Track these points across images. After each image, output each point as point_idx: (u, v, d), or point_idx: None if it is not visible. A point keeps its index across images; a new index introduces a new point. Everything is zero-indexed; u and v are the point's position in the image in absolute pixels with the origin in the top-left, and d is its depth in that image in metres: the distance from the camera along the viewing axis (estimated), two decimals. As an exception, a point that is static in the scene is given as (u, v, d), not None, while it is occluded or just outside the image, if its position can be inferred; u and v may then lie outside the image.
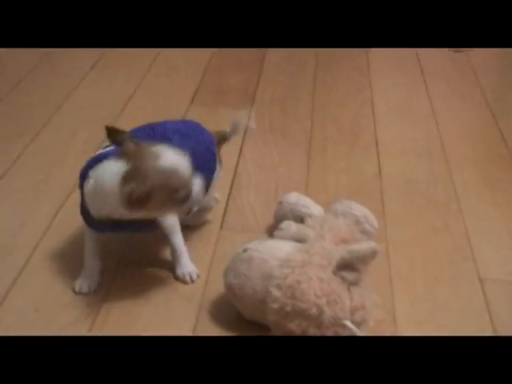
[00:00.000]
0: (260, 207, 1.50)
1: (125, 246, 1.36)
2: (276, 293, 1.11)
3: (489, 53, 2.36)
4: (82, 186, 1.21)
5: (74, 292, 1.24)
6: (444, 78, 2.18)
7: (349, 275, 1.11)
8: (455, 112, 1.99)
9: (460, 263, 1.38)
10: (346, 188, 1.59)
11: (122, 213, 1.13)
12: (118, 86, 1.98)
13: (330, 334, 1.09)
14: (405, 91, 2.10)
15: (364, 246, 1.12)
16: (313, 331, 1.09)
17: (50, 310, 1.21)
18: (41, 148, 1.68)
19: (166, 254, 1.33)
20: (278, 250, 1.18)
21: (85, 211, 1.21)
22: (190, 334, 1.16)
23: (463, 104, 2.04)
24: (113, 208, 1.13)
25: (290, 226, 1.29)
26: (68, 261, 1.32)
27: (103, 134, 1.53)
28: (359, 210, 1.35)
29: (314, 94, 2.01)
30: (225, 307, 1.22)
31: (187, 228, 1.40)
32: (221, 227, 1.44)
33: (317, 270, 1.11)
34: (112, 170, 1.12)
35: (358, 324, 1.10)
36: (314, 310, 1.08)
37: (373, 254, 1.11)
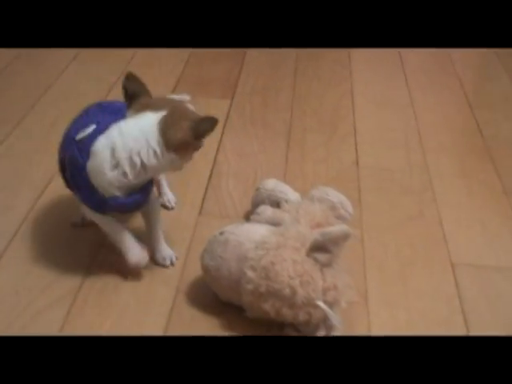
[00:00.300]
0: (238, 194, 1.53)
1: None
2: (250, 274, 1.13)
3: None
4: (79, 172, 1.19)
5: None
6: (423, 71, 2.21)
7: (321, 257, 1.13)
8: (433, 103, 2.01)
9: (432, 249, 1.41)
10: (323, 176, 1.62)
11: (151, 171, 1.17)
12: (100, 77, 1.99)
13: (302, 314, 1.12)
14: (384, 83, 2.12)
15: (336, 228, 1.15)
16: (286, 311, 1.12)
17: (30, 293, 1.23)
18: (23, 136, 1.70)
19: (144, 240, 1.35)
20: (253, 232, 1.20)
21: (92, 197, 1.20)
22: (164, 321, 1.20)
23: (441, 95, 2.07)
24: (143, 165, 1.15)
25: (266, 211, 1.31)
26: (48, 245, 1.35)
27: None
28: (335, 196, 1.37)
29: (295, 85, 2.04)
30: (202, 290, 1.25)
31: (166, 214, 1.44)
32: (199, 213, 1.46)
33: (291, 252, 1.13)
34: (139, 125, 1.15)
35: (329, 304, 1.13)
36: (287, 291, 1.11)
37: (345, 237, 1.14)
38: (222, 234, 1.22)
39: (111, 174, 1.16)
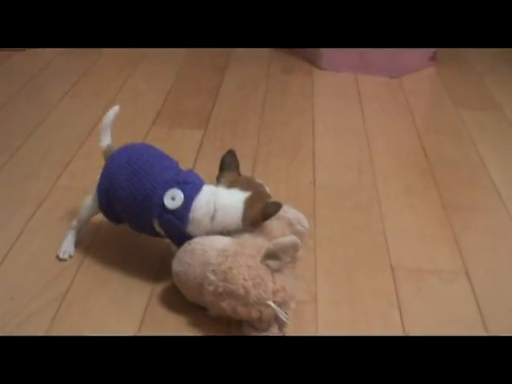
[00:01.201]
0: (208, 212, 1.65)
1: (96, 233, 1.52)
2: (211, 277, 1.25)
3: (420, 76, 2.56)
4: (180, 233, 1.34)
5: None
6: (378, 101, 2.35)
7: (273, 263, 1.25)
8: (385, 130, 2.15)
9: (376, 255, 1.53)
10: (283, 195, 1.71)
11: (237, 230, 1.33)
12: (88, 111, 2.11)
13: (254, 311, 1.22)
14: (342, 113, 2.26)
15: (286, 239, 1.26)
16: (241, 309, 1.23)
17: (23, 298, 1.34)
18: (18, 165, 1.82)
19: (134, 241, 1.49)
20: (216, 242, 1.31)
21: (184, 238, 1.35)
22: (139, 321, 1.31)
23: (392, 123, 2.20)
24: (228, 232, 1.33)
25: None
26: (39, 257, 1.46)
27: (74, 151, 1.71)
28: (292, 213, 1.46)
29: (263, 115, 2.17)
30: (172, 293, 1.36)
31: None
32: (173, 228, 1.59)
33: (246, 259, 1.25)
34: (231, 200, 1.34)
35: (279, 304, 1.24)
36: (241, 291, 1.22)
37: (294, 246, 1.25)
38: (189, 244, 1.33)
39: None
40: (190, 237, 1.34)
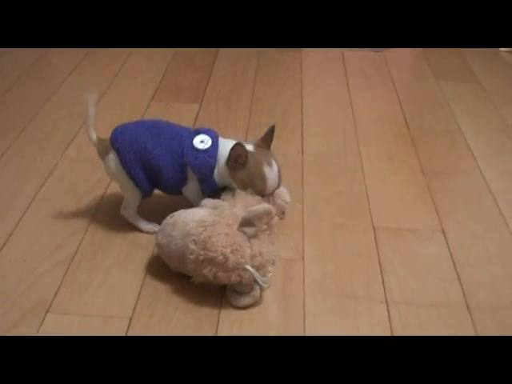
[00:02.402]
0: (204, 179, 1.68)
1: (97, 207, 1.55)
2: (192, 246, 1.26)
3: (403, 50, 2.57)
4: (210, 172, 1.40)
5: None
6: (362, 74, 2.36)
7: (248, 230, 1.26)
8: (368, 101, 2.16)
9: (359, 216, 1.57)
10: (274, 163, 1.78)
11: None
12: (91, 88, 2.10)
13: (234, 276, 1.24)
14: (329, 86, 2.27)
15: (260, 206, 1.27)
16: (221, 274, 1.24)
17: (35, 260, 1.38)
18: (28, 139, 1.85)
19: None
20: (195, 214, 1.32)
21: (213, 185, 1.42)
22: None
23: (376, 94, 2.22)
24: None
25: (208, 202, 1.40)
26: (50, 221, 1.49)
27: (78, 126, 1.72)
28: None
29: (254, 89, 2.18)
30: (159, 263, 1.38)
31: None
32: (171, 195, 1.62)
33: (224, 228, 1.25)
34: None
35: (256, 268, 1.25)
36: (220, 258, 1.23)
37: (267, 213, 1.26)
38: (171, 217, 1.35)
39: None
40: (215, 183, 1.40)
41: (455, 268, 1.42)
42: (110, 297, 1.29)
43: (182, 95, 2.13)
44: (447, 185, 1.73)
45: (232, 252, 1.23)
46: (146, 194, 1.46)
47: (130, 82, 2.19)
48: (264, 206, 1.27)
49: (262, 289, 1.28)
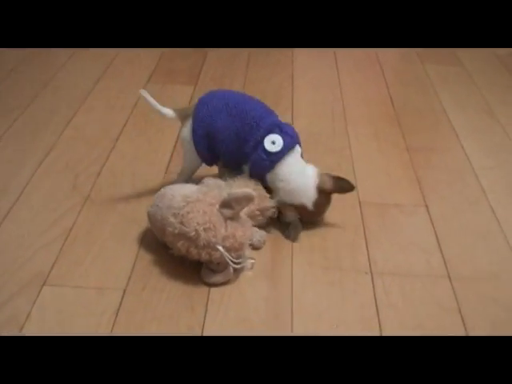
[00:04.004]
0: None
1: (93, 184, 1.51)
2: (171, 219, 1.22)
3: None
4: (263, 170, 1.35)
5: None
6: (351, 58, 2.32)
7: (226, 212, 1.21)
8: (357, 83, 2.13)
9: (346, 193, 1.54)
10: (264, 142, 1.74)
11: None
12: (89, 72, 2.09)
13: (204, 253, 1.20)
14: (319, 69, 2.23)
15: (240, 191, 1.22)
16: (193, 250, 1.21)
17: (32, 236, 1.35)
18: (28, 120, 1.81)
19: (131, 183, 1.49)
20: (184, 189, 1.30)
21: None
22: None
23: (364, 77, 2.18)
24: None
25: (208, 180, 1.38)
26: (47, 198, 1.46)
27: (76, 107, 1.67)
28: None
29: (247, 72, 2.14)
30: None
31: (139, 170, 1.56)
32: (165, 172, 1.58)
33: (204, 206, 1.21)
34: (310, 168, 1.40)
35: (228, 249, 1.21)
36: (193, 234, 1.19)
37: (246, 198, 1.21)
38: (164, 188, 1.32)
39: None
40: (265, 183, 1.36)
41: (437, 240, 1.39)
42: (104, 269, 1.26)
43: (177, 78, 2.08)
44: (431, 162, 1.69)
45: (205, 230, 1.19)
46: (206, 164, 1.43)
47: (127, 66, 2.15)
48: (244, 190, 1.22)
49: (234, 270, 1.24)
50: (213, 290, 1.23)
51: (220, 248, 1.20)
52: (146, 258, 1.29)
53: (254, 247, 1.33)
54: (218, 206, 1.21)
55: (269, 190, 1.38)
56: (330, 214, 1.45)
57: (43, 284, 1.22)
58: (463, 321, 1.19)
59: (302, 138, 1.75)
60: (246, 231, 1.24)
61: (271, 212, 1.36)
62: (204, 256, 1.21)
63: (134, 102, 1.89)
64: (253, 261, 1.29)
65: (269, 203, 1.36)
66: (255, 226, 1.34)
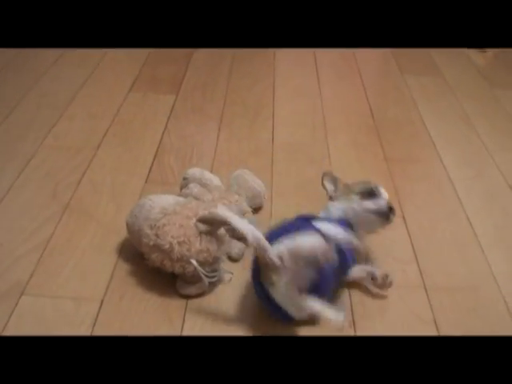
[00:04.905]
0: (178, 167, 1.63)
1: (73, 193, 1.50)
2: (147, 230, 1.22)
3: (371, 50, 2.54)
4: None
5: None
6: (332, 68, 2.34)
7: (203, 227, 1.21)
8: (337, 93, 2.13)
9: (325, 203, 1.53)
10: (245, 151, 1.73)
11: None
12: (73, 79, 2.08)
13: (178, 266, 1.19)
14: (300, 78, 2.23)
15: (218, 214, 1.19)
16: (167, 262, 1.20)
17: (12, 244, 1.34)
18: (9, 127, 1.79)
19: (111, 193, 1.49)
20: (164, 200, 1.29)
21: None
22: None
23: (344, 87, 2.19)
24: None
25: (194, 188, 1.40)
26: (27, 209, 1.45)
27: (58, 115, 1.66)
28: (260, 185, 1.47)
29: (229, 81, 2.14)
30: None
31: (117, 180, 1.56)
32: (146, 181, 1.57)
33: (181, 219, 1.21)
34: None
35: (201, 263, 1.20)
36: (167, 246, 1.19)
37: (222, 223, 1.19)
38: (144, 198, 1.31)
39: None
40: None
41: (414, 251, 1.40)
42: (82, 279, 1.26)
43: (159, 86, 2.08)
44: (409, 172, 1.71)
45: (179, 243, 1.19)
46: None
47: (110, 73, 2.14)
48: (224, 212, 1.19)
49: (209, 283, 1.22)
50: (190, 301, 1.22)
51: (193, 262, 1.19)
52: (125, 268, 1.29)
53: (233, 259, 1.33)
54: (195, 220, 1.21)
55: None
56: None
57: (21, 293, 1.21)
58: (438, 331, 1.20)
59: (282, 147, 1.78)
60: (222, 245, 1.23)
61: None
62: (178, 269, 1.20)
63: (116, 110, 1.89)
64: (231, 275, 1.28)
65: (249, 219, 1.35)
66: (234, 238, 1.34)
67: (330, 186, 1.39)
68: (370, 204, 1.32)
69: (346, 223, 1.29)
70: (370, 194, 1.33)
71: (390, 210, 1.32)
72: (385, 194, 1.35)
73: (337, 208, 1.34)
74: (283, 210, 1.50)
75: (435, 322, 1.21)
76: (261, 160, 1.67)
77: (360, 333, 1.18)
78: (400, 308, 1.24)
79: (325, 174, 1.39)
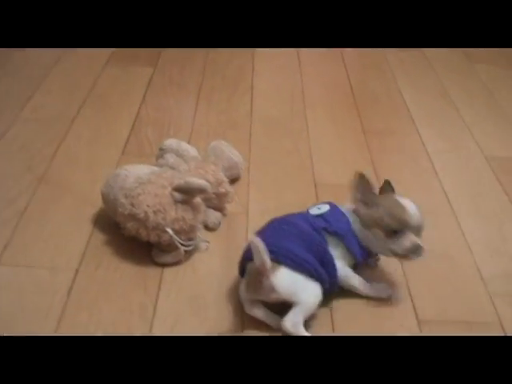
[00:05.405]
0: (155, 138, 1.63)
1: (48, 165, 1.49)
2: (122, 200, 1.22)
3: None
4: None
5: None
6: (315, 57, 2.26)
7: (178, 196, 1.21)
8: (317, 67, 2.13)
9: (302, 174, 1.54)
10: (223, 123, 1.73)
11: None
12: (48, 53, 2.03)
13: (153, 235, 1.20)
14: (281, 56, 2.20)
15: (196, 182, 1.21)
16: (142, 231, 1.21)
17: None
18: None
19: (87, 165, 1.48)
20: (139, 170, 1.29)
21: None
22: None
23: (324, 61, 2.18)
24: None
25: (170, 158, 1.39)
26: (1, 181, 1.44)
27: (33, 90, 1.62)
28: (237, 156, 1.47)
29: (208, 54, 2.12)
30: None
31: (94, 153, 1.55)
32: (122, 153, 1.57)
33: (156, 188, 1.21)
34: None
35: (177, 231, 1.20)
36: (142, 215, 1.19)
37: (199, 190, 1.21)
38: (119, 169, 1.31)
39: None
40: None
41: (389, 221, 1.41)
42: (58, 249, 1.26)
43: (137, 59, 2.06)
44: (386, 145, 1.71)
45: (154, 212, 1.19)
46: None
47: (87, 48, 2.12)
48: (200, 183, 1.21)
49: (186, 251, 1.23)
50: (166, 269, 1.23)
51: (169, 230, 1.20)
52: (100, 237, 1.29)
53: (209, 229, 1.34)
54: (170, 189, 1.21)
55: None
56: (286, 195, 1.46)
57: (-4, 264, 1.21)
58: (411, 297, 1.21)
59: (260, 120, 1.78)
60: (197, 214, 1.24)
61: (228, 198, 1.37)
62: (153, 238, 1.21)
63: (92, 83, 1.88)
64: (207, 243, 1.29)
65: (225, 189, 1.36)
66: (211, 208, 1.35)
67: (357, 194, 1.22)
68: (393, 245, 1.17)
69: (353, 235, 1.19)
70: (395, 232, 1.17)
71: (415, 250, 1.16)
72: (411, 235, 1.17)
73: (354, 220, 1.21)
74: (261, 182, 1.51)
75: (408, 288, 1.23)
76: (239, 133, 1.67)
77: (335, 297, 1.19)
78: (374, 275, 1.25)
79: (360, 176, 1.21)
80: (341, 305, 1.18)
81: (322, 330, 1.12)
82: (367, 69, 2.17)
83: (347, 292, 1.18)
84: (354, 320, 1.15)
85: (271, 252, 1.08)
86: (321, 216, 1.20)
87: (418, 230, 1.17)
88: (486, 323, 1.17)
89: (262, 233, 1.16)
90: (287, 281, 1.10)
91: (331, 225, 1.18)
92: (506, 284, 1.27)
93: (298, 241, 1.14)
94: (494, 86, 2.07)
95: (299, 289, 1.10)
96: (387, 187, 1.27)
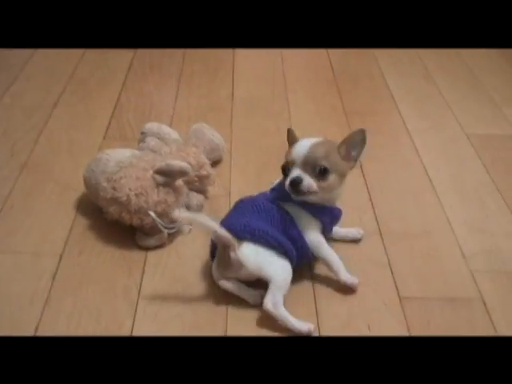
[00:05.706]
0: (136, 123, 1.63)
1: (30, 152, 1.50)
2: (104, 184, 1.23)
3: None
4: None
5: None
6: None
7: (160, 179, 1.22)
8: (299, 51, 2.09)
9: (283, 156, 1.53)
10: (204, 107, 1.74)
11: None
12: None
13: (136, 218, 1.21)
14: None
15: (177, 164, 1.22)
16: (125, 215, 1.21)
17: None
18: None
19: (71, 151, 1.48)
20: (120, 154, 1.29)
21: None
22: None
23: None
24: None
25: (151, 141, 1.40)
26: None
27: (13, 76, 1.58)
28: (219, 139, 1.48)
29: (188, 38, 2.13)
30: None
31: (75, 137, 1.55)
32: (104, 138, 1.57)
33: (137, 171, 1.22)
34: None
35: (159, 214, 1.21)
36: (124, 199, 1.20)
37: (181, 172, 1.22)
38: (100, 153, 1.32)
39: None
40: None
41: (370, 199, 1.43)
42: (41, 235, 1.26)
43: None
44: (367, 125, 1.67)
45: (136, 195, 1.20)
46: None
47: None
48: (182, 165, 1.22)
49: (168, 234, 1.24)
50: (150, 252, 1.24)
51: (151, 213, 1.20)
52: (83, 222, 1.30)
53: (192, 211, 1.34)
54: (151, 172, 1.21)
55: None
56: (267, 176, 1.45)
57: (-20, 251, 1.22)
58: (393, 275, 1.23)
59: (241, 103, 1.78)
60: (180, 197, 1.24)
61: (210, 180, 1.37)
62: (136, 221, 1.21)
63: (73, 68, 1.87)
64: (190, 226, 1.30)
65: (207, 171, 1.37)
66: (193, 191, 1.36)
67: None
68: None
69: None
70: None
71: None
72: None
73: None
74: (243, 164, 1.52)
75: (390, 266, 1.25)
76: (220, 115, 1.68)
77: (315, 278, 1.20)
78: (355, 254, 1.27)
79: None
80: (323, 283, 1.20)
81: (304, 310, 1.14)
82: (349, 51, 2.17)
83: (329, 272, 1.20)
84: (336, 299, 1.17)
85: (231, 230, 1.11)
86: (274, 189, 1.23)
87: (304, 164, 1.18)
88: (468, 299, 1.19)
89: (226, 215, 1.20)
90: (252, 255, 1.12)
91: (283, 194, 1.19)
92: (487, 260, 1.29)
93: (257, 216, 1.16)
94: (477, 66, 2.09)
95: (266, 262, 1.12)
96: (292, 135, 1.29)
